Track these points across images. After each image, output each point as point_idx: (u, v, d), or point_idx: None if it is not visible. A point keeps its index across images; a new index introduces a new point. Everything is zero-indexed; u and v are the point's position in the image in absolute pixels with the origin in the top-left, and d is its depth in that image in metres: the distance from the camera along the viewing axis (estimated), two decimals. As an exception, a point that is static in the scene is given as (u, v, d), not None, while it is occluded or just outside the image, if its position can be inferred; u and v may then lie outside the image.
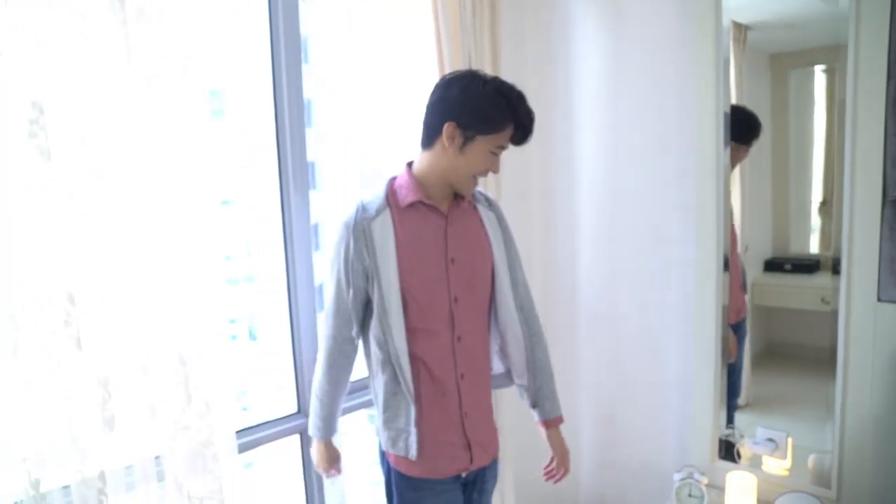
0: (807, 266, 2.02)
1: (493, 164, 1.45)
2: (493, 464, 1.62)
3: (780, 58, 2.08)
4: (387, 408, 1.47)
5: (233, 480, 1.46)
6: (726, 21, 1.96)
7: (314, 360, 1.86)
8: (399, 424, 1.46)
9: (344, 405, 1.96)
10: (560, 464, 1.66)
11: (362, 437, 4.01)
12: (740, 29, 2.09)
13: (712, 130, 1.96)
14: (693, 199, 2.03)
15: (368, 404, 2.03)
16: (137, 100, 1.28)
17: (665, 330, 2.22)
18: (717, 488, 1.97)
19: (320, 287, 4.66)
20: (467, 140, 1.38)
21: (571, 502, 2.59)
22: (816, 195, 2.00)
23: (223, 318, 1.49)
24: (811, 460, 1.91)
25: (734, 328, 2.06)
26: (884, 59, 1.63)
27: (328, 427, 1.59)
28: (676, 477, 1.96)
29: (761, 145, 2.13)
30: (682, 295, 2.14)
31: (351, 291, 1.43)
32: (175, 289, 1.36)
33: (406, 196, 1.44)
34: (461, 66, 1.96)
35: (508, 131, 1.42)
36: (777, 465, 1.97)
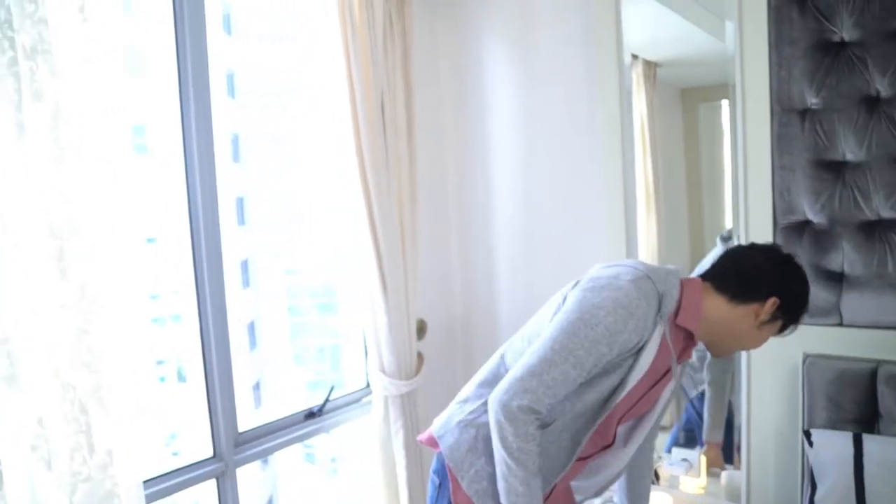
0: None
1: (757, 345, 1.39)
2: None
3: (690, 92, 2.21)
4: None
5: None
6: (627, 58, 2.07)
7: (229, 400, 1.82)
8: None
9: (269, 444, 1.93)
10: None
11: (298, 476, 3.91)
12: (650, 66, 2.21)
13: (618, 160, 2.06)
14: (604, 225, 2.11)
15: (292, 442, 1.99)
16: (52, 136, 1.25)
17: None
18: (638, 510, 2.01)
19: (251, 325, 4.52)
20: (772, 320, 1.32)
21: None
22: (728, 222, 2.11)
23: (136, 359, 1.43)
24: (723, 477, 1.99)
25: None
26: (766, 97, 1.75)
27: None
28: (597, 501, 1.99)
29: (675, 177, 2.25)
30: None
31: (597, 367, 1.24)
32: (77, 333, 1.31)
33: (685, 321, 1.31)
34: (374, 104, 1.98)
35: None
36: (693, 484, 2.04)
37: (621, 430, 1.41)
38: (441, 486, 1.37)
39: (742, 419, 1.86)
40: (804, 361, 1.73)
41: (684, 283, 1.33)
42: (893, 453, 1.52)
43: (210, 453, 1.79)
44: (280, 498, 3.83)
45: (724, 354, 1.42)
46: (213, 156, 1.76)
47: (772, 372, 1.81)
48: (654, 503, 1.91)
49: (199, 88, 1.73)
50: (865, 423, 1.64)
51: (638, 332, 1.23)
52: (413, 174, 2.16)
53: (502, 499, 1.23)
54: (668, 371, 1.35)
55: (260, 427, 1.92)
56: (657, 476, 2.09)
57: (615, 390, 1.28)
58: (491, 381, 1.36)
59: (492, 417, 1.22)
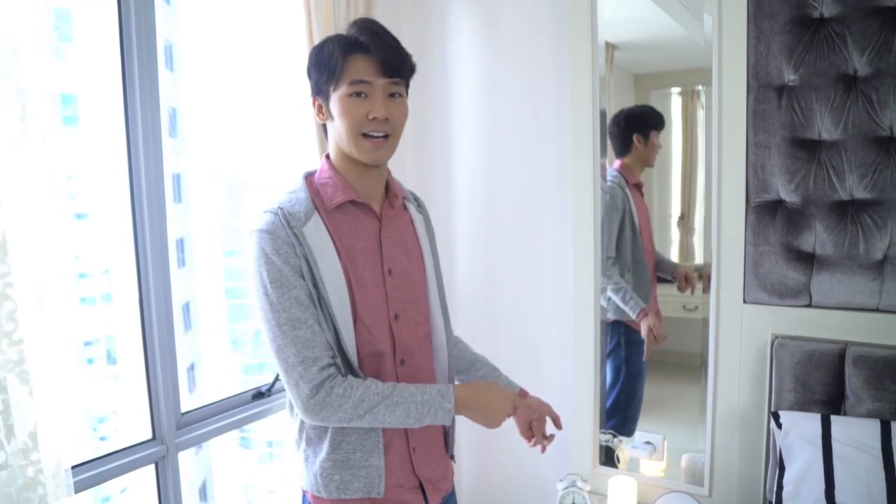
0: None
1: (370, 107, 1.20)
2: (449, 499, 1.43)
3: (643, 78, 2.16)
4: (337, 445, 1.24)
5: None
6: (601, 38, 2.01)
7: (172, 379, 1.68)
8: (358, 460, 1.24)
9: (213, 426, 1.79)
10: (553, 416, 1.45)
11: (233, 461, 3.73)
12: (609, 48, 2.15)
13: (589, 139, 1.99)
14: (570, 207, 2.04)
15: (237, 425, 1.85)
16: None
17: (544, 337, 2.22)
18: (600, 494, 1.97)
19: (186, 306, 4.32)
20: (327, 103, 1.24)
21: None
22: (675, 210, 2.08)
23: (64, 333, 1.28)
24: (684, 460, 1.97)
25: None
26: (744, 75, 1.71)
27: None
28: (559, 486, 1.94)
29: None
30: (561, 301, 2.14)
31: (317, 303, 1.18)
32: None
33: (334, 195, 1.24)
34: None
35: (354, 64, 1.19)
36: (654, 467, 2.01)
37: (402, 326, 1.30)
38: None
39: (708, 401, 1.84)
40: (773, 342, 1.71)
41: (310, 173, 1.30)
42: (860, 434, 1.52)
43: (149, 435, 1.63)
44: (214, 484, 3.67)
45: (364, 156, 1.23)
46: (158, 128, 1.63)
47: (739, 353, 1.79)
48: (617, 486, 1.88)
49: (145, 56, 1.59)
50: (832, 404, 1.63)
51: (286, 255, 1.16)
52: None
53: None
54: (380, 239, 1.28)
55: (205, 407, 1.78)
56: (618, 459, 2.05)
57: (329, 311, 1.19)
58: None
59: (307, 415, 1.19)
